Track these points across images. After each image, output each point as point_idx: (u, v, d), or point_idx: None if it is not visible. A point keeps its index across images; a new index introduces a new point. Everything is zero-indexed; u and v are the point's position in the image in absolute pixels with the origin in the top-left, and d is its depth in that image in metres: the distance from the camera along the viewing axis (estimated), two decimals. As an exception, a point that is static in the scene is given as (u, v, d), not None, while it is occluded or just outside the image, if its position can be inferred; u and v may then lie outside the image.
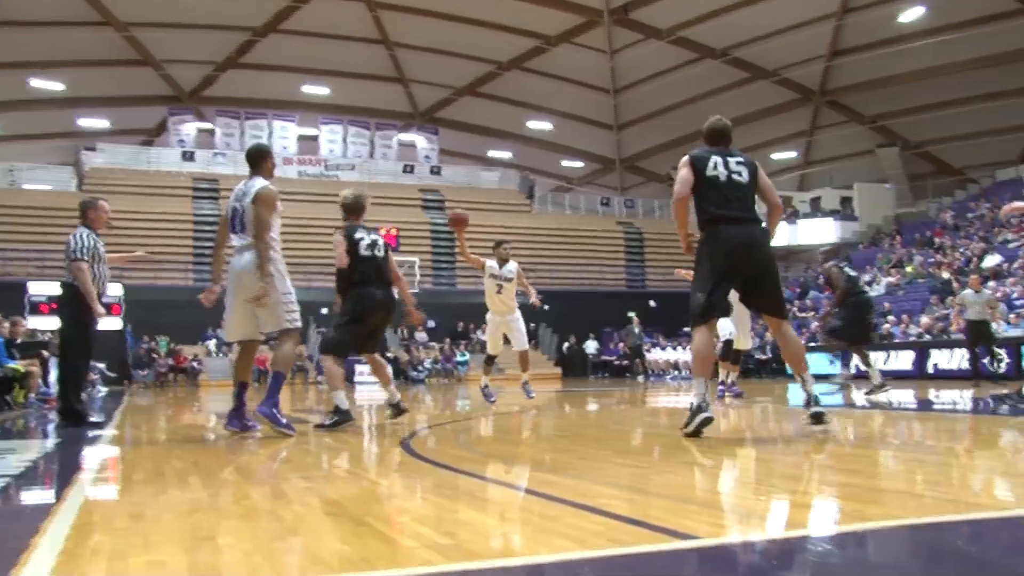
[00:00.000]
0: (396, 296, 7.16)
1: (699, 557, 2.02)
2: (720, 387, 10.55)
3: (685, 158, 5.56)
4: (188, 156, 35.26)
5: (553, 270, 33.45)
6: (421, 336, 30.79)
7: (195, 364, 26.61)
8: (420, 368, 28.33)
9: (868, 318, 12.03)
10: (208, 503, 2.98)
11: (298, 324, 6.09)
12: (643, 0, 31.26)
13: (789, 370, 7.27)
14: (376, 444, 5.76)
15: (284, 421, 5.72)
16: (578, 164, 44.42)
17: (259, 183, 6.06)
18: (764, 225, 5.54)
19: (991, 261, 23.58)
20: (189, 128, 36.82)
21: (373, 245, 7.03)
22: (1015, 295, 20.72)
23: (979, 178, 35.48)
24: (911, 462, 4.01)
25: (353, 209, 7.22)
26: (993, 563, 1.99)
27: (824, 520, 2.56)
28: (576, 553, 2.00)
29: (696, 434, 5.01)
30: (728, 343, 10.21)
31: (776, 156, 39.49)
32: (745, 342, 10.36)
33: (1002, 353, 17.64)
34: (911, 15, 29.45)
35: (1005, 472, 3.62)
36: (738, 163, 5.49)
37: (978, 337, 14.42)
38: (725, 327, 9.95)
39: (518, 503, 2.86)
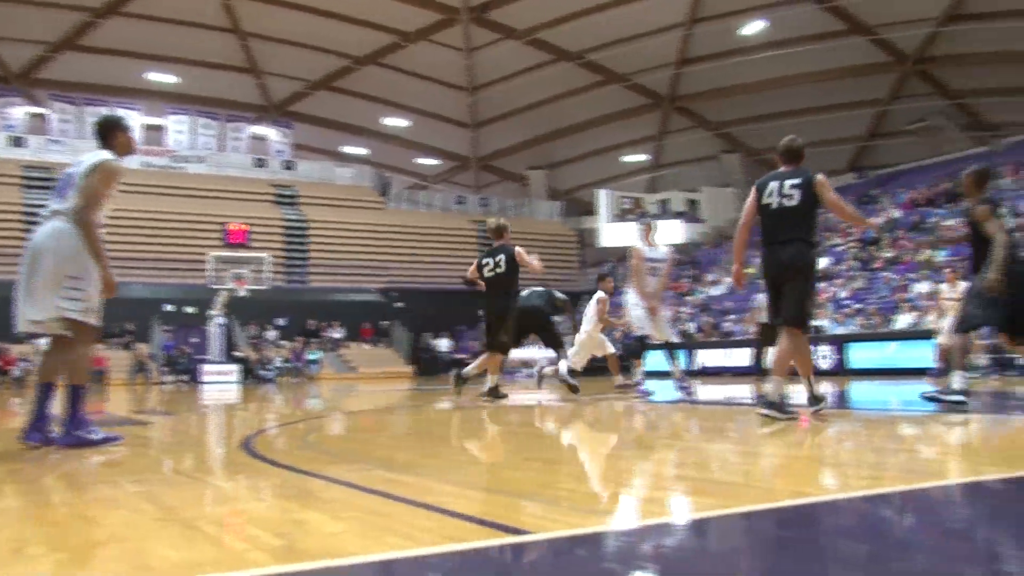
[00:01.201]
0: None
1: (525, 551, 2.07)
2: (620, 385, 10.89)
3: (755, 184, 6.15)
4: (17, 142, 33.08)
5: (407, 268, 33.35)
6: (271, 334, 30.06)
7: (23, 365, 24.99)
8: (270, 367, 27.65)
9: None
10: (21, 513, 2.82)
11: (82, 318, 4.74)
12: (501, 0, 31.57)
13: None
14: (218, 446, 5.60)
15: (100, 436, 4.86)
16: (434, 162, 44.41)
17: (104, 154, 4.95)
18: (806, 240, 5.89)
19: (821, 263, 25.08)
20: (18, 112, 34.54)
21: (489, 266, 9.59)
22: (843, 295, 22.12)
23: (812, 184, 37.65)
24: (749, 455, 4.23)
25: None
26: (819, 546, 2.13)
27: (660, 511, 2.67)
28: (404, 551, 2.02)
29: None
30: (640, 339, 10.27)
31: (627, 158, 40.76)
32: (661, 335, 10.10)
33: (827, 350, 18.85)
34: (753, 28, 30.97)
35: (815, 462, 3.87)
36: (792, 186, 5.85)
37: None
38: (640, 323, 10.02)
39: (356, 502, 2.85)
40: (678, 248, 36.19)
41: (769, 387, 5.80)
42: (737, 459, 4.00)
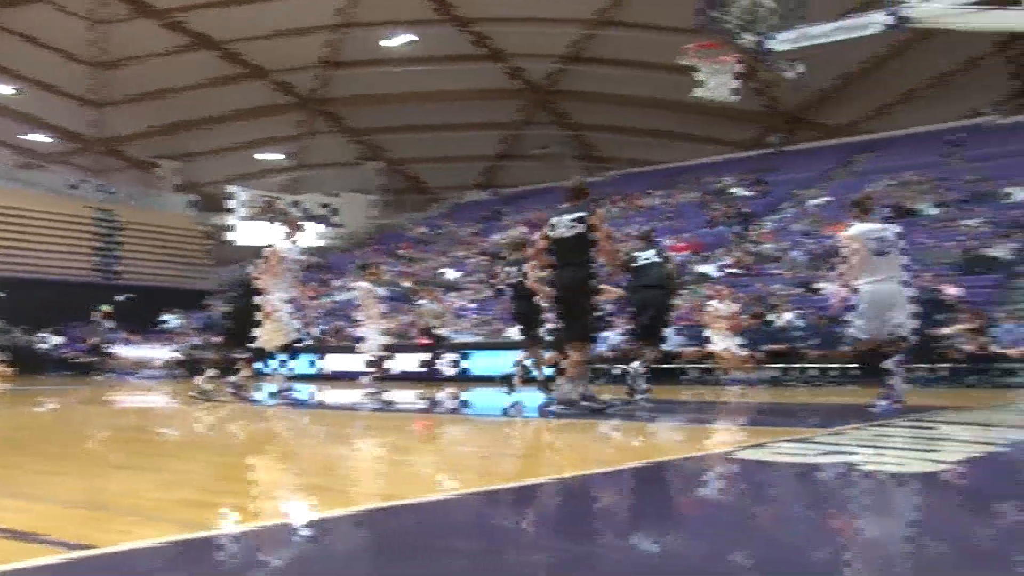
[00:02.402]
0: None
1: (81, 568, 1.95)
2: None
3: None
4: None
5: (8, 255, 29.72)
6: None
7: None
8: None
9: None
10: None
11: None
12: (135, -26, 29.34)
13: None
14: None
15: None
16: (48, 139, 39.95)
17: None
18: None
19: (450, 274, 26.37)
20: None
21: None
22: (466, 305, 23.38)
23: (446, 198, 39.50)
24: (349, 459, 4.31)
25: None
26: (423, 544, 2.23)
27: (232, 519, 2.64)
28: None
29: None
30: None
31: (266, 157, 39.78)
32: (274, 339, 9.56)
33: (448, 357, 19.82)
34: (399, 41, 31.77)
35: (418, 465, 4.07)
36: (572, 220, 6.88)
37: (432, 342, 15.91)
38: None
39: None
40: (313, 251, 36.10)
41: (566, 389, 6.81)
42: (340, 463, 4.08)
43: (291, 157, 40.16)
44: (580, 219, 6.81)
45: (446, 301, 23.81)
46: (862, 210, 7.86)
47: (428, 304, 16.16)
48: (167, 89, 34.46)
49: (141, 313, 27.66)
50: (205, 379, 9.84)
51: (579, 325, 6.91)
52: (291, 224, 9.69)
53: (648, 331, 8.67)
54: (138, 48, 32.60)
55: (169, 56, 32.74)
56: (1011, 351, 13.43)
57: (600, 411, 6.71)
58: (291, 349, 9.49)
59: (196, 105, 35.11)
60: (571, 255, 6.83)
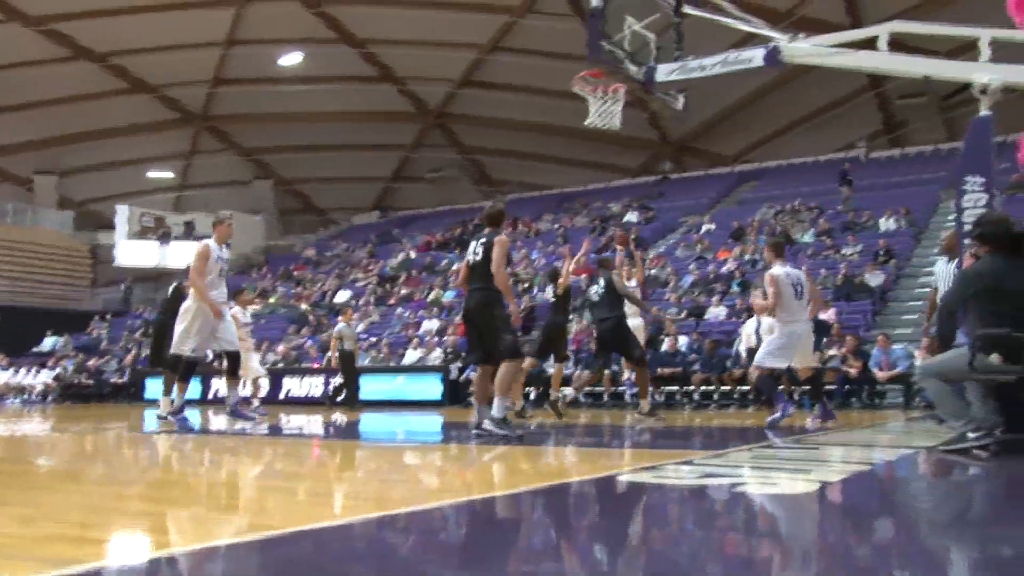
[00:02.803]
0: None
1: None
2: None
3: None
4: None
5: None
6: None
7: None
8: None
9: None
10: None
11: None
12: (8, -23, 27.94)
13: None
14: None
15: None
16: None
17: None
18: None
19: (343, 296, 26.00)
20: None
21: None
22: (360, 329, 23.07)
23: (340, 219, 39.05)
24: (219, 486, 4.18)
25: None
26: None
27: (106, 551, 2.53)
28: None
29: None
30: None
31: (152, 175, 38.48)
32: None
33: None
34: (290, 60, 31.33)
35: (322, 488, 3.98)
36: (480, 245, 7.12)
37: (348, 365, 15.67)
38: None
39: None
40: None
41: (494, 410, 6.91)
42: (221, 492, 3.95)
43: (179, 175, 38.96)
44: (484, 245, 7.04)
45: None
46: (779, 253, 8.47)
47: (342, 326, 15.99)
48: (44, 100, 32.90)
49: (16, 335, 26.24)
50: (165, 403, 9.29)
51: (493, 346, 6.99)
52: (224, 225, 9.11)
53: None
54: (12, 56, 30.97)
55: (47, 66, 31.27)
56: (882, 374, 14.08)
57: (519, 437, 6.77)
58: (187, 368, 8.85)
59: (77, 118, 33.64)
60: (476, 279, 7.04)
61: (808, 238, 21.25)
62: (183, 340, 8.70)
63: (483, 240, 7.08)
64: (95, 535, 2.84)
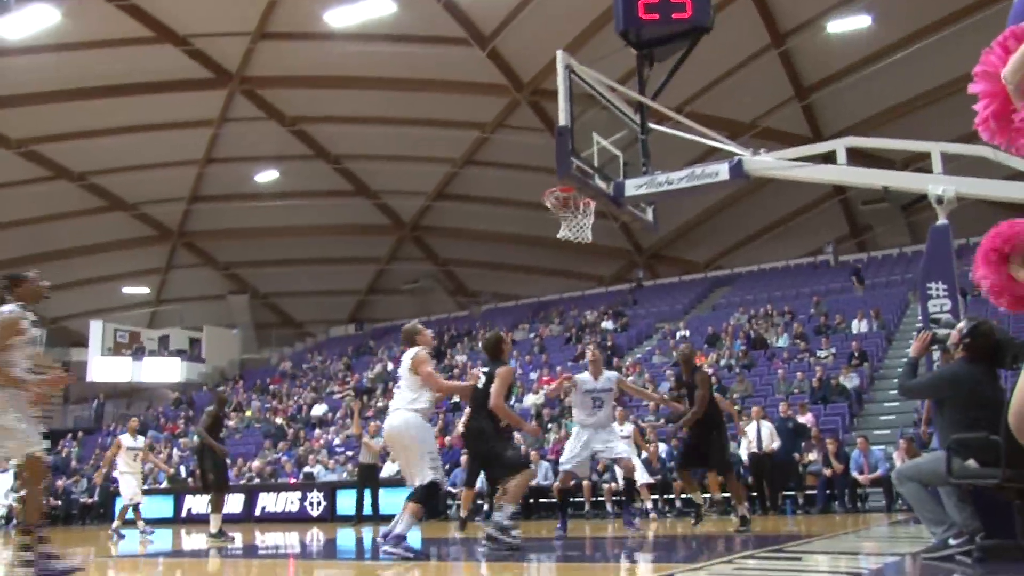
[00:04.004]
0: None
1: None
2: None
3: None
4: None
5: None
6: None
7: None
8: None
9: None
10: None
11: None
12: (-6, 105, 28.47)
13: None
14: None
15: None
16: None
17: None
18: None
19: (319, 410, 25.75)
20: None
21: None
22: (336, 442, 22.79)
23: (316, 332, 38.98)
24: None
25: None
26: None
27: None
28: None
29: None
30: None
31: (127, 290, 38.38)
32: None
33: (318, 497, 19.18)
34: (267, 176, 31.81)
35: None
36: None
37: (367, 479, 15.72)
38: None
39: None
40: (176, 387, 34.67)
41: (499, 518, 7.12)
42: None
43: (155, 290, 38.88)
44: (487, 375, 7.48)
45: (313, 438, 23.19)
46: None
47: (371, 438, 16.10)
48: (20, 220, 33.03)
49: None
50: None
51: (500, 468, 7.34)
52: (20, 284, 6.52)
53: None
54: (-8, 178, 31.30)
55: (23, 186, 31.52)
56: (862, 477, 14.04)
57: (515, 547, 7.05)
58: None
59: (53, 236, 33.71)
60: (478, 406, 7.46)
61: (783, 342, 21.46)
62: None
63: (487, 370, 7.52)
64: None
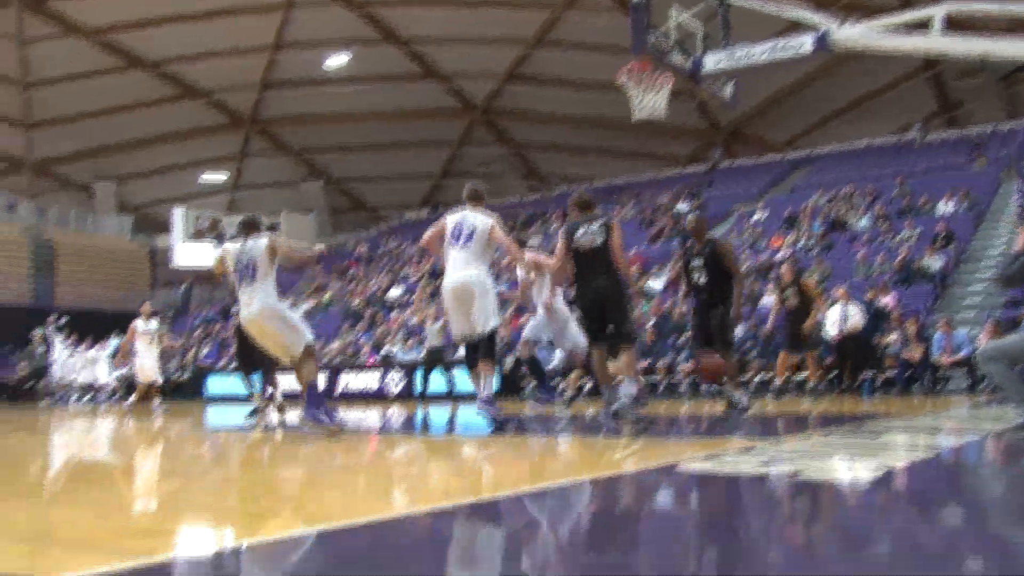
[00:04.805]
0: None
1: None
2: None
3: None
4: None
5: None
6: None
7: None
8: None
9: None
10: None
11: None
12: (62, -9, 28.65)
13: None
14: None
15: None
16: (-22, 162, 38.84)
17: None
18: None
19: (395, 292, 26.24)
20: None
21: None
22: (414, 321, 23.24)
23: (389, 216, 39.37)
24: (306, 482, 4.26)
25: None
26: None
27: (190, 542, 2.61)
28: None
29: None
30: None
31: (206, 177, 39.21)
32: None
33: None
34: (337, 61, 31.63)
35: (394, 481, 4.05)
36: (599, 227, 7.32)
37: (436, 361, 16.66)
38: None
39: None
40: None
41: (622, 392, 7.01)
42: (287, 486, 4.03)
43: (232, 177, 39.62)
44: (603, 226, 7.10)
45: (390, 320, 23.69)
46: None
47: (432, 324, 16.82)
48: (101, 110, 33.77)
49: (81, 338, 26.92)
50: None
51: (627, 329, 7.22)
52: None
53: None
54: (69, 68, 31.86)
55: (102, 76, 32.09)
56: (944, 359, 13.82)
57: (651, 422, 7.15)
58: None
59: (132, 126, 34.46)
60: (598, 264, 7.04)
61: (864, 223, 20.89)
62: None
63: (601, 222, 7.08)
64: (169, 527, 2.93)
